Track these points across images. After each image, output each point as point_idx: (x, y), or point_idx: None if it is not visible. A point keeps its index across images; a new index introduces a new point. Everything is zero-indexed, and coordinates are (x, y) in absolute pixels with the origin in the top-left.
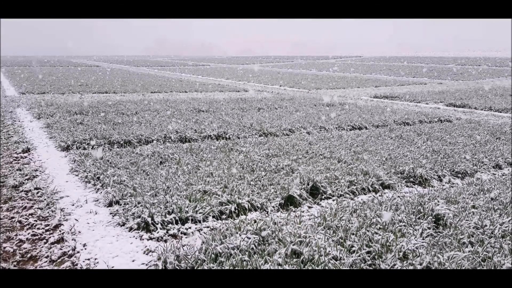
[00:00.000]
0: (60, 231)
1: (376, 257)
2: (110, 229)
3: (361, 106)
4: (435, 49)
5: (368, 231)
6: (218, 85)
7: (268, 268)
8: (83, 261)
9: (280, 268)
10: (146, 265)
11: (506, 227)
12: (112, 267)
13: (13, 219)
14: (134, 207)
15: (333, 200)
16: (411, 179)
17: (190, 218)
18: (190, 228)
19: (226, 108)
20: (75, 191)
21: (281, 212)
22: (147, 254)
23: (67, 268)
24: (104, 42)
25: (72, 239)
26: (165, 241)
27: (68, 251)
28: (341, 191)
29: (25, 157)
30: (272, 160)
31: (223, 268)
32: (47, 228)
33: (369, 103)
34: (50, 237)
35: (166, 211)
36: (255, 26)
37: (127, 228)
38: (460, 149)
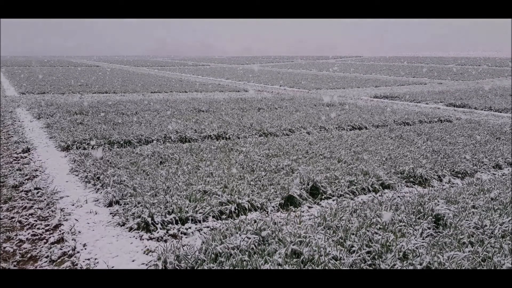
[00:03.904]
0: (60, 231)
1: (376, 257)
2: (110, 229)
3: (361, 106)
4: (435, 49)
5: (368, 231)
6: (218, 85)
7: (268, 268)
8: (83, 261)
9: (280, 268)
10: (146, 265)
11: (506, 227)
12: (112, 267)
13: (13, 219)
14: (134, 207)
15: (333, 200)
16: (411, 179)
17: (190, 218)
18: (190, 228)
19: (226, 108)
20: (75, 191)
21: (281, 212)
22: (147, 254)
23: (67, 268)
24: (104, 42)
25: (72, 239)
26: (165, 241)
27: (68, 251)
28: (341, 191)
29: (25, 157)
30: (272, 160)
31: (223, 268)
32: (47, 228)
33: (369, 103)
34: (50, 237)
35: (166, 211)
36: (255, 26)
37: (127, 228)
38: (460, 149)
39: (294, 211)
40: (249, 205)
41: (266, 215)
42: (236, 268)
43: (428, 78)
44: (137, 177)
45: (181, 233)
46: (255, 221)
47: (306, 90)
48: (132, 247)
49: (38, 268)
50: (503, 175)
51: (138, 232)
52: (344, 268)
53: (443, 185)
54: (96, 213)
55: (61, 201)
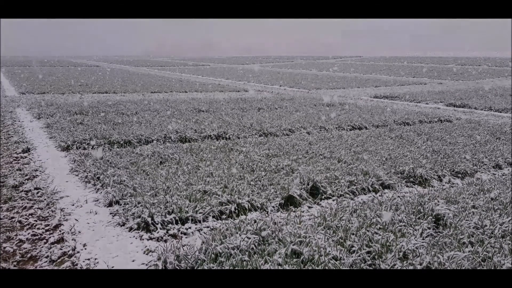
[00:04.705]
0: (60, 231)
1: (376, 257)
2: (110, 229)
3: (361, 106)
4: (435, 49)
5: (368, 231)
6: (218, 85)
7: (268, 268)
8: (83, 261)
9: (280, 268)
10: (146, 265)
11: (506, 227)
12: (112, 267)
13: (13, 219)
14: (134, 207)
15: (333, 200)
16: (411, 179)
17: (190, 218)
18: (190, 228)
19: (226, 108)
20: (75, 191)
21: (281, 212)
22: (147, 254)
23: (67, 268)
24: (104, 42)
25: (72, 239)
26: (165, 241)
27: (68, 251)
28: (341, 191)
29: (25, 157)
30: (272, 160)
31: (223, 268)
32: (47, 228)
33: (369, 103)
34: (50, 237)
35: (166, 211)
36: (255, 26)
37: (127, 228)
38: (460, 149)
39: (294, 211)
40: (249, 205)
41: (266, 215)
42: (236, 268)
43: (428, 78)
44: (137, 177)
45: (181, 233)
46: (255, 221)
47: (306, 90)
48: (132, 247)
49: (38, 268)
50: (503, 175)
51: (138, 232)
52: (344, 268)
53: (443, 185)
54: (96, 213)
55: (61, 201)
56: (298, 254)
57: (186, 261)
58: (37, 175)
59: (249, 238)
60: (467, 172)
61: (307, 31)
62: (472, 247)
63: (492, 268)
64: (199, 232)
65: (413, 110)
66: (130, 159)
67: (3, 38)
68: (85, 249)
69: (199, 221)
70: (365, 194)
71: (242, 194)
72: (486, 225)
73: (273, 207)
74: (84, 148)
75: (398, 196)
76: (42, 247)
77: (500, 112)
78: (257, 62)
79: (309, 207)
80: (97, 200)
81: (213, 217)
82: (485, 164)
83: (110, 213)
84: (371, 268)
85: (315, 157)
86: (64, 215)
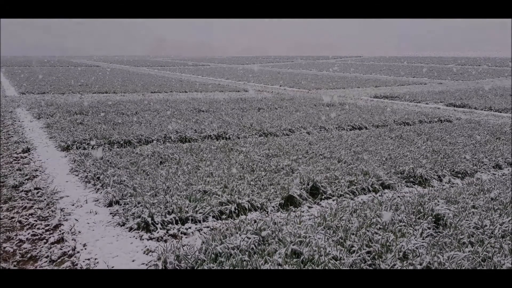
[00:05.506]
0: (60, 231)
1: (376, 257)
2: (110, 229)
3: (361, 106)
4: (435, 49)
5: (368, 231)
6: (218, 85)
7: (268, 268)
8: (83, 261)
9: (280, 268)
10: (146, 265)
11: (506, 227)
12: (112, 267)
13: (13, 219)
14: (134, 207)
15: (333, 200)
16: (411, 179)
17: (190, 218)
18: (190, 228)
19: (226, 108)
20: (75, 191)
21: (281, 212)
22: (147, 254)
23: (67, 268)
24: (104, 42)
25: (72, 239)
26: (165, 241)
27: (68, 251)
28: (341, 191)
29: (25, 157)
30: (272, 160)
31: (223, 268)
32: (47, 228)
33: (369, 103)
34: (50, 237)
35: (166, 211)
36: (255, 26)
37: (127, 228)
38: (460, 149)
39: (294, 211)
40: (249, 205)
41: (266, 215)
42: (236, 268)
43: (428, 78)
44: (137, 177)
45: (181, 233)
46: (255, 221)
47: (306, 90)
48: (132, 247)
49: (38, 268)
50: (503, 175)
51: (138, 232)
52: (344, 268)
53: (443, 185)
54: (96, 213)
55: (61, 201)
56: (298, 254)
57: (186, 261)
58: (37, 175)
59: (249, 238)
60: (467, 172)
61: (307, 31)
62: (472, 247)
63: (492, 268)
64: (199, 232)
65: (413, 110)
66: (130, 159)
67: (3, 38)
68: (85, 249)
69: (199, 221)
70: (365, 194)
71: (242, 194)
72: (486, 225)
73: (273, 207)
74: (84, 148)
75: (398, 196)
76: (42, 247)
77: (500, 112)
78: (257, 62)
79: (309, 207)
80: (97, 200)
81: (213, 217)
82: (485, 164)
83: (110, 213)
84: (371, 268)
85: (315, 157)
86: (64, 215)
